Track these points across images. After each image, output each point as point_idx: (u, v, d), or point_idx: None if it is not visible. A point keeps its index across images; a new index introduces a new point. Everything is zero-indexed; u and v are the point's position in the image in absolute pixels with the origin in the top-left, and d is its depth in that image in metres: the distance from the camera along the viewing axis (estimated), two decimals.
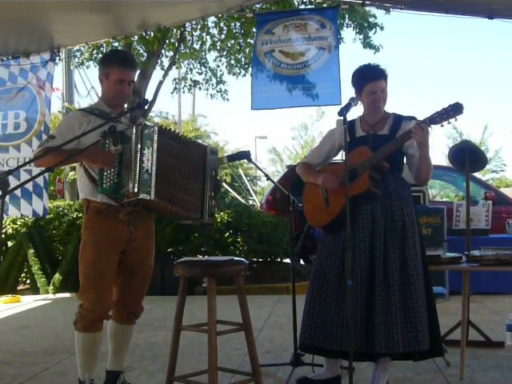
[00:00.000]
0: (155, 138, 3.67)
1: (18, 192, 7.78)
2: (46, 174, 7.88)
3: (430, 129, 3.93)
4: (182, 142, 3.85)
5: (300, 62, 7.40)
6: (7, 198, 7.68)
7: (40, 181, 7.85)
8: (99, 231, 3.83)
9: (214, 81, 13.01)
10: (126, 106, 4.18)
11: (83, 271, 3.88)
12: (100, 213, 3.83)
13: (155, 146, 3.67)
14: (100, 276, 3.81)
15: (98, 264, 3.80)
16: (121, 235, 3.87)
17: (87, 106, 4.30)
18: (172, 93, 13.01)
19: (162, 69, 12.05)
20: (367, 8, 11.27)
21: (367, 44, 11.46)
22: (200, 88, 13.09)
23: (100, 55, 11.53)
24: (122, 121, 3.88)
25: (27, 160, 7.61)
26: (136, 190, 3.59)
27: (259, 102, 7.53)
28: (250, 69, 11.96)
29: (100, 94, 4.15)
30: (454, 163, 5.63)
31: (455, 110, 3.85)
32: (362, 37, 11.48)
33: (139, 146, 3.64)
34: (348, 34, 10.14)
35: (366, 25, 11.35)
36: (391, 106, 4.12)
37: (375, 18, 11.45)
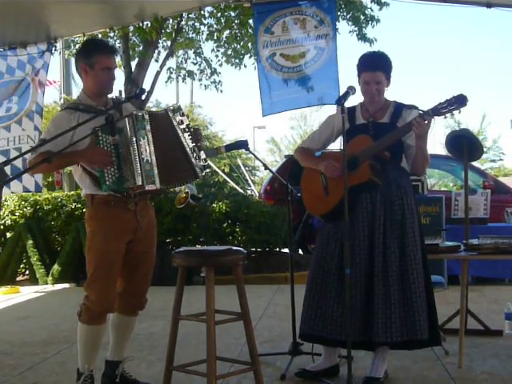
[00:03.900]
0: (148, 126, 3.69)
1: (7, 170, 7.78)
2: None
3: (433, 120, 3.92)
4: (155, 118, 3.83)
5: (300, 64, 7.49)
6: None
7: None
8: (108, 222, 3.79)
9: (208, 71, 12.95)
10: (118, 95, 4.16)
11: (92, 262, 3.82)
12: (107, 203, 3.80)
13: (149, 134, 3.69)
14: (109, 268, 3.78)
15: (108, 255, 3.77)
16: (129, 225, 3.85)
17: (70, 102, 4.24)
18: (166, 82, 12.92)
19: (156, 61, 11.98)
20: (363, 0, 11.31)
21: (362, 37, 11.40)
22: (194, 78, 13.04)
23: None
24: (110, 112, 3.81)
25: (16, 139, 7.66)
26: (141, 182, 3.62)
27: (268, 108, 7.69)
28: (246, 57, 12.05)
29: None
30: (450, 150, 5.61)
31: (459, 102, 3.83)
32: (356, 29, 11.43)
33: (134, 137, 3.64)
34: (344, 26, 10.13)
35: (362, 18, 11.30)
36: (391, 96, 4.10)
37: (372, 10, 11.42)
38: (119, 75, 11.58)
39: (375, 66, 4.10)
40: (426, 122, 3.90)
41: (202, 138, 4.01)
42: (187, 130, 3.90)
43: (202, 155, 3.94)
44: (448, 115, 3.89)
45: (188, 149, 3.88)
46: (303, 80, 7.52)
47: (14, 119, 8.01)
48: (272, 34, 7.56)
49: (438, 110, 3.88)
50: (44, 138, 3.73)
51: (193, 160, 3.88)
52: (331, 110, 4.39)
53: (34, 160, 3.64)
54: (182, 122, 3.90)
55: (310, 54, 7.46)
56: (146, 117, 3.71)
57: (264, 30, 7.59)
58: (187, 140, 3.89)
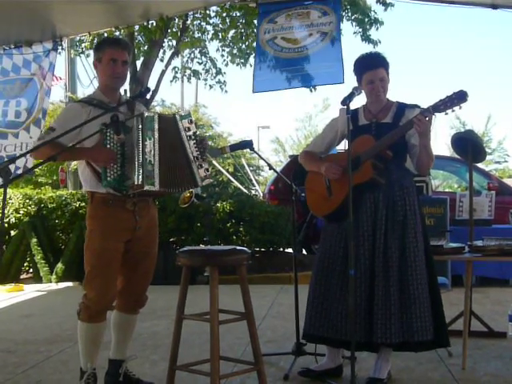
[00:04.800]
0: (156, 127, 3.68)
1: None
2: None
3: (434, 117, 3.92)
4: (163, 120, 3.82)
5: (302, 46, 7.42)
6: None
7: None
8: (106, 220, 3.80)
9: (213, 71, 12.95)
10: (123, 94, 4.16)
11: (89, 260, 3.83)
12: (106, 202, 3.81)
13: (156, 136, 3.68)
14: (106, 265, 3.79)
15: (105, 253, 3.78)
16: (127, 224, 3.85)
17: (85, 96, 4.27)
18: (171, 81, 12.92)
19: (161, 60, 12.00)
20: (368, 2, 11.30)
21: (366, 38, 11.39)
22: (199, 78, 13.04)
23: None
24: (121, 110, 3.83)
25: (23, 145, 7.77)
26: (141, 182, 3.61)
27: (260, 85, 7.58)
28: (251, 57, 12.02)
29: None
30: (455, 150, 5.61)
31: (459, 97, 3.83)
32: (361, 30, 11.42)
33: (140, 136, 3.64)
34: (348, 27, 10.17)
35: (366, 20, 11.29)
36: (394, 97, 4.11)
37: (375, 13, 11.41)
38: None
39: (376, 64, 4.14)
40: (427, 118, 3.90)
41: (207, 148, 3.97)
42: (193, 137, 3.88)
43: (205, 165, 3.91)
44: (449, 111, 3.89)
45: (191, 156, 3.86)
46: (303, 60, 7.42)
47: (22, 126, 8.07)
48: (275, 23, 7.54)
49: (439, 107, 3.88)
50: (53, 127, 3.74)
51: (194, 168, 3.86)
52: (336, 112, 4.37)
53: (42, 152, 3.64)
54: (188, 129, 3.88)
55: (312, 37, 7.38)
56: (156, 118, 3.71)
57: (267, 21, 7.57)
58: (191, 147, 3.87)
